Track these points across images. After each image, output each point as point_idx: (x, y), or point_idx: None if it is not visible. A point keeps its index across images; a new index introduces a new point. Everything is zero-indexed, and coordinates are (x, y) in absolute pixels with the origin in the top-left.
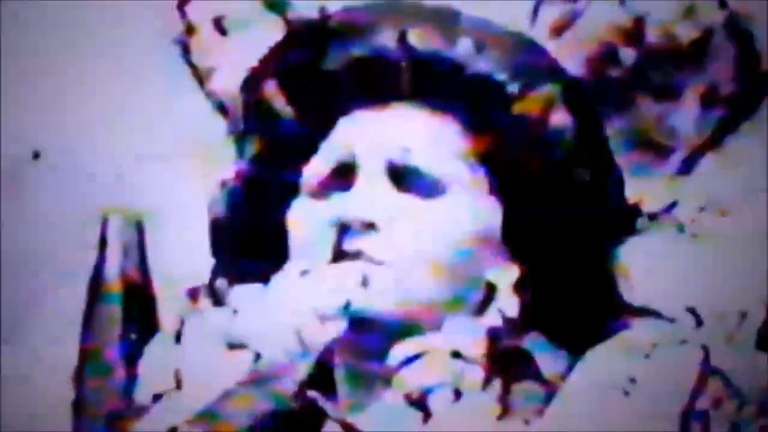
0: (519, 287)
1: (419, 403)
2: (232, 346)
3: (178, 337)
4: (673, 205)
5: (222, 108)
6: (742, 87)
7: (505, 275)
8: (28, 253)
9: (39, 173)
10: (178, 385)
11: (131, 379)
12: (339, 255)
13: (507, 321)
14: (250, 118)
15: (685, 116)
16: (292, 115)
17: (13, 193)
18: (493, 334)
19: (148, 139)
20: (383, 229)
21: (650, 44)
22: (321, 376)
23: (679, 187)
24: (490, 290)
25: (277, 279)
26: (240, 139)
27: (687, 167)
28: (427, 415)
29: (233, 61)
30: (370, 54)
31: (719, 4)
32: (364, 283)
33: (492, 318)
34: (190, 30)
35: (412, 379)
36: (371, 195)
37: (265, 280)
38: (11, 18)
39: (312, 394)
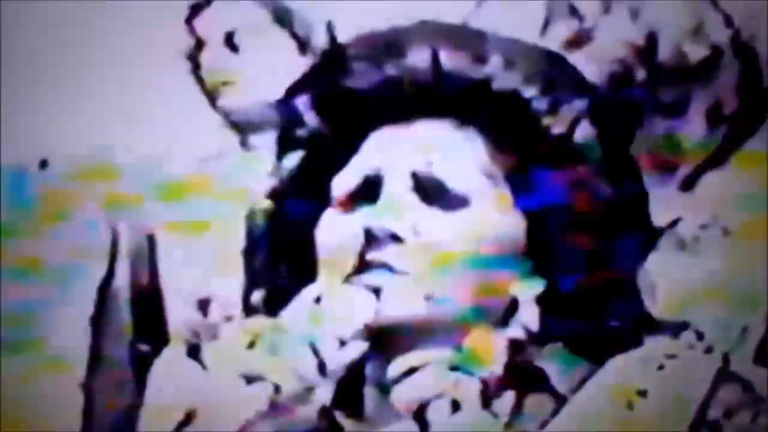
0: (542, 300)
1: (417, 415)
2: (250, 379)
3: (190, 352)
4: (676, 221)
5: (233, 122)
6: (745, 104)
7: (529, 288)
8: (37, 261)
9: (46, 179)
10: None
11: (140, 389)
12: (364, 266)
13: (528, 334)
14: (285, 135)
15: (691, 133)
16: (324, 132)
17: (18, 200)
18: (514, 347)
19: (159, 152)
20: (408, 240)
21: (661, 62)
22: (346, 395)
23: (682, 203)
24: (514, 303)
25: (294, 305)
26: (278, 155)
27: (690, 184)
28: (424, 427)
29: (245, 75)
30: (401, 73)
31: (725, 22)
32: (377, 293)
33: (514, 330)
34: (199, 45)
35: (410, 392)
36: (396, 207)
37: (293, 295)
38: (16, 24)
39: (337, 414)
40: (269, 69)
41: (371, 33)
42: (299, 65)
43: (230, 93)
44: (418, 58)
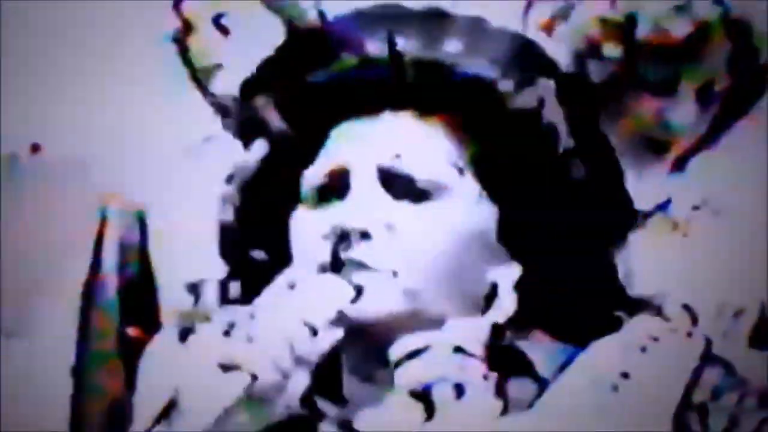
0: (519, 286)
1: (422, 398)
2: (226, 368)
3: (182, 336)
4: (668, 203)
5: (220, 107)
6: (737, 83)
7: (507, 274)
8: (28, 248)
9: (38, 167)
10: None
11: (131, 374)
12: (337, 264)
13: (509, 319)
14: (247, 128)
15: (682, 113)
16: (284, 129)
17: (12, 188)
18: (494, 332)
19: (148, 136)
20: (378, 236)
21: (641, 39)
22: (326, 381)
23: (673, 184)
24: (493, 289)
25: (266, 294)
26: (244, 144)
27: (681, 165)
28: (430, 410)
29: (233, 60)
30: (358, 63)
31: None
32: (358, 291)
33: (494, 316)
34: (187, 28)
35: (414, 375)
36: (365, 203)
37: (268, 282)
38: (10, 15)
39: (318, 400)
40: (258, 52)
41: (329, 21)
42: None
43: (219, 77)
44: (376, 45)
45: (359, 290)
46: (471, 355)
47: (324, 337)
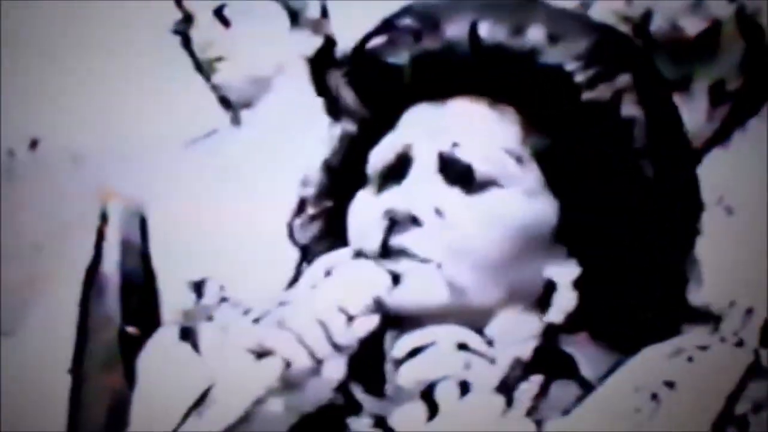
0: (578, 285)
1: (425, 396)
2: (260, 354)
3: (183, 334)
4: None
5: (224, 99)
6: (750, 81)
7: (565, 272)
8: (28, 244)
9: (37, 162)
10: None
11: (130, 372)
12: (386, 250)
13: (564, 319)
14: (333, 105)
15: (694, 111)
16: (359, 107)
17: (11, 183)
18: (548, 332)
19: (150, 129)
20: (429, 224)
21: (657, 35)
22: (362, 371)
23: None
24: (550, 286)
25: (303, 280)
26: (332, 125)
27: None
28: (433, 409)
29: (237, 51)
30: (440, 47)
31: None
32: (395, 279)
33: (549, 314)
34: (188, 19)
35: (418, 372)
36: (421, 189)
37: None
38: (10, 9)
39: (354, 388)
40: (261, 42)
41: (409, 6)
42: (292, 38)
43: (222, 68)
44: (456, 31)
45: (396, 278)
46: (476, 352)
47: (360, 325)
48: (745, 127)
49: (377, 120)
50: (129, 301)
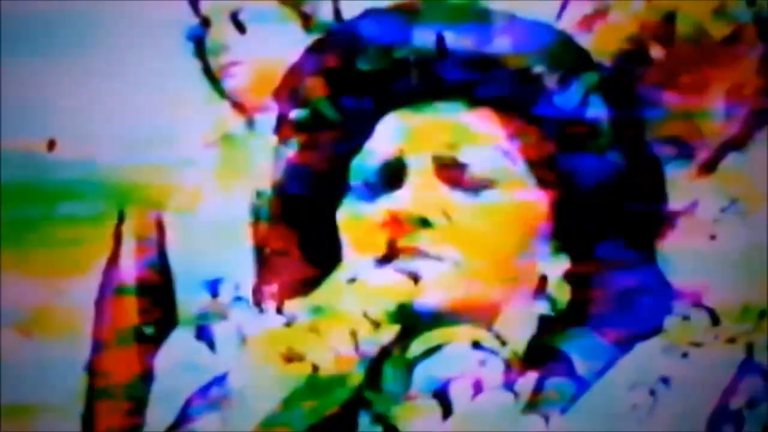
0: (569, 279)
1: (440, 395)
2: (289, 359)
3: (199, 334)
4: (695, 204)
5: (237, 103)
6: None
7: (556, 266)
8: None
9: (52, 164)
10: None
11: (147, 374)
12: (394, 253)
13: (556, 312)
14: (283, 118)
15: (712, 114)
16: (335, 115)
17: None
18: (541, 326)
19: (167, 133)
20: (438, 225)
21: (680, 39)
22: (374, 373)
23: (701, 185)
24: (543, 280)
25: (326, 286)
26: (282, 139)
27: (710, 166)
28: (447, 407)
29: (250, 56)
30: (409, 55)
31: (747, 1)
32: (415, 280)
33: (541, 307)
34: (205, 24)
35: (432, 371)
36: (423, 192)
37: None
38: (19, 11)
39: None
40: (275, 48)
41: (377, 12)
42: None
43: (235, 73)
44: (424, 39)
45: (416, 279)
46: (490, 350)
47: (385, 330)
48: (763, 130)
49: (349, 127)
50: (146, 301)
